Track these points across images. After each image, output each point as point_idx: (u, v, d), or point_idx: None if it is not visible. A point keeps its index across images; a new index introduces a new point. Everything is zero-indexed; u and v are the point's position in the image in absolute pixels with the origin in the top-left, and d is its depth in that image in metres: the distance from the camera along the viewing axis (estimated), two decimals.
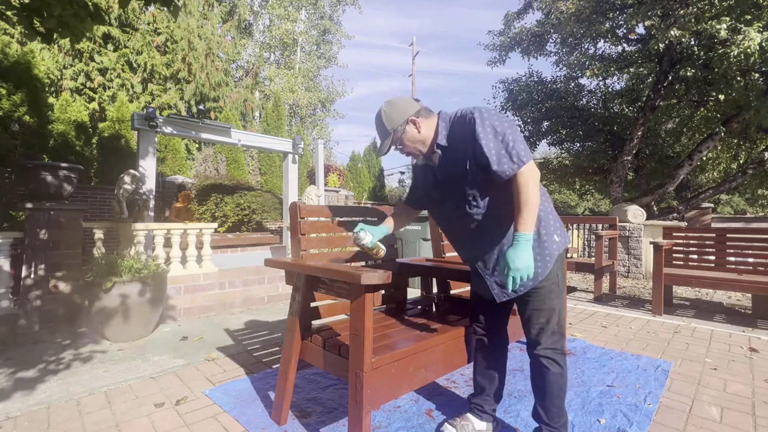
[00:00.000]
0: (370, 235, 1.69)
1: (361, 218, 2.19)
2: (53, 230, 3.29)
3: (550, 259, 1.49)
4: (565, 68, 10.87)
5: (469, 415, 1.73)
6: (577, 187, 15.60)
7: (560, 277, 1.55)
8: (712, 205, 10.92)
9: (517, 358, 2.60)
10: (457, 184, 1.51)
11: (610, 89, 11.64)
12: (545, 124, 11.59)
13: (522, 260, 1.34)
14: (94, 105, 9.82)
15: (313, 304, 1.83)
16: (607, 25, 8.44)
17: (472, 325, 1.76)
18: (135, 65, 10.48)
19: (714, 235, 4.15)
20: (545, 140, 12.27)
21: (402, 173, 28.42)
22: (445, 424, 1.72)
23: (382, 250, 1.76)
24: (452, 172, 1.52)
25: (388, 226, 1.82)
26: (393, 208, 2.00)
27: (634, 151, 9.64)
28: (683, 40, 6.82)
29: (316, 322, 1.88)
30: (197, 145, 11.49)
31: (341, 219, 2.03)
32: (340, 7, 21.82)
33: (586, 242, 7.24)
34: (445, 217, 1.69)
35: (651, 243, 4.03)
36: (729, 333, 3.29)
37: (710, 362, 2.63)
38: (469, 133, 1.43)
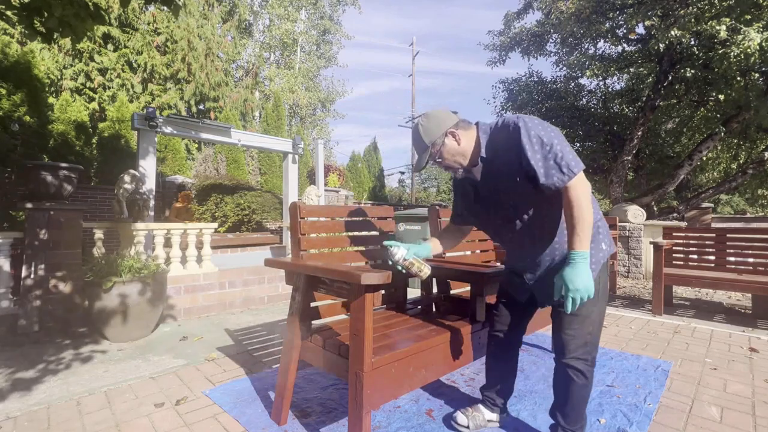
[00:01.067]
0: (403, 249, 1.58)
1: (360, 218, 2.18)
2: (53, 230, 3.29)
3: (596, 267, 1.45)
4: (565, 68, 10.87)
5: (480, 405, 1.81)
6: None
7: (602, 285, 1.48)
8: (712, 205, 10.92)
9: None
10: (500, 196, 1.48)
11: (610, 89, 11.64)
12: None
13: (581, 280, 1.28)
14: (94, 105, 9.82)
15: (313, 304, 1.83)
16: (607, 25, 8.43)
17: (492, 321, 1.77)
18: (135, 65, 10.48)
19: (714, 235, 4.15)
20: None
21: (402, 173, 28.46)
22: (457, 412, 1.79)
23: (426, 268, 1.61)
24: (495, 185, 1.47)
25: (431, 245, 1.72)
26: (442, 230, 1.88)
27: (634, 151, 9.64)
28: (683, 40, 6.81)
29: (316, 322, 1.88)
30: (197, 145, 11.49)
31: (341, 219, 2.03)
32: (340, 7, 21.82)
33: None
34: (492, 229, 1.67)
35: (651, 243, 4.03)
36: (729, 333, 3.29)
37: (710, 362, 2.63)
38: (512, 144, 1.37)
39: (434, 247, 1.74)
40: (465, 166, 1.52)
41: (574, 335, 1.46)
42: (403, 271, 1.61)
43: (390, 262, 1.61)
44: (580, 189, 1.30)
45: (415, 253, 1.62)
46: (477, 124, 1.52)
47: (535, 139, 1.33)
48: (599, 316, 1.50)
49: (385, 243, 1.63)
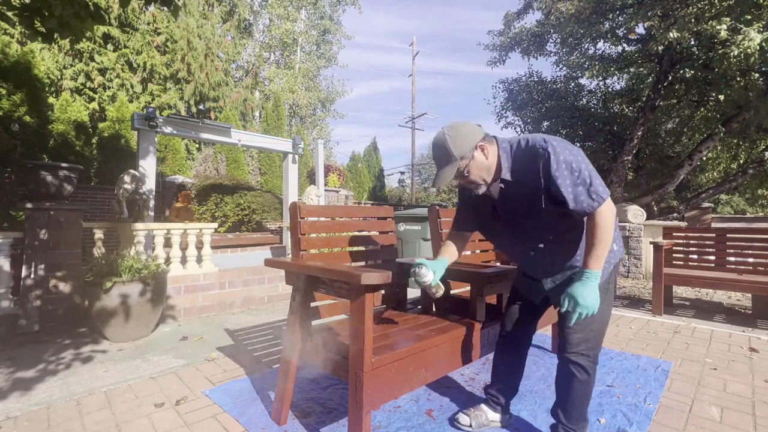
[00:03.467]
0: (431, 273, 1.56)
1: (361, 218, 2.19)
2: (53, 230, 3.29)
3: (607, 266, 1.48)
4: (565, 68, 10.88)
5: (483, 405, 1.81)
6: None
7: (610, 285, 1.53)
8: (712, 205, 10.92)
9: None
10: (520, 217, 1.47)
11: (610, 89, 11.65)
12: (545, 124, 11.59)
13: (591, 298, 1.35)
14: (94, 105, 9.82)
15: (313, 304, 1.83)
16: (607, 25, 8.44)
17: (504, 321, 1.79)
18: (135, 65, 10.48)
19: (714, 235, 4.15)
20: None
21: (402, 173, 28.45)
22: (459, 413, 1.80)
23: (441, 289, 1.63)
24: (517, 207, 1.46)
25: (448, 256, 1.68)
26: (447, 238, 1.82)
27: (634, 151, 9.64)
28: (683, 40, 6.81)
29: (316, 322, 1.88)
30: (197, 145, 11.49)
31: (341, 219, 2.03)
32: (340, 7, 21.82)
33: None
34: (505, 244, 1.67)
35: (651, 243, 4.03)
36: (729, 333, 3.29)
37: (710, 362, 2.63)
38: (539, 168, 1.35)
39: (450, 259, 1.71)
40: (489, 183, 1.47)
41: (577, 330, 1.49)
42: (427, 291, 1.63)
43: (418, 281, 1.58)
44: (607, 214, 1.33)
45: (440, 275, 1.61)
46: (496, 140, 1.47)
47: (564, 164, 1.32)
48: (606, 315, 1.53)
49: (418, 261, 1.59)
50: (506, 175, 1.42)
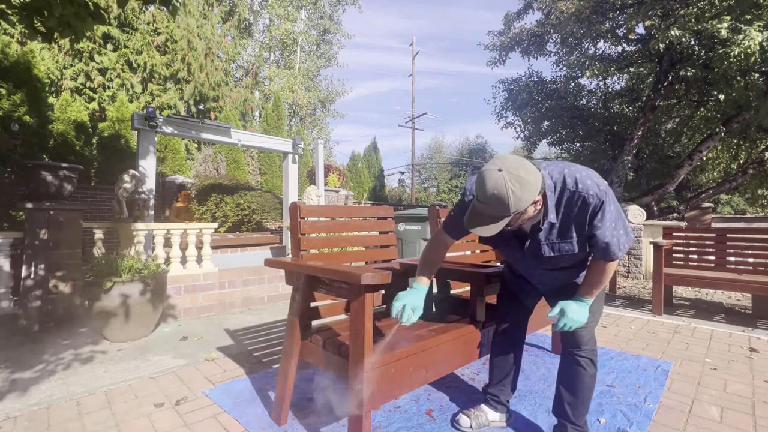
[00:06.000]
0: (414, 316, 1.46)
1: (361, 217, 2.18)
2: (53, 230, 3.29)
3: None
4: (565, 68, 10.87)
5: (483, 405, 1.81)
6: None
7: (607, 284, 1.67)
8: (712, 205, 10.91)
9: None
10: (548, 256, 1.46)
11: (610, 89, 11.65)
12: (545, 124, 11.59)
13: (578, 314, 1.46)
14: (94, 105, 9.81)
15: (313, 304, 1.83)
16: (607, 25, 8.44)
17: (499, 321, 1.83)
18: (135, 65, 10.47)
19: (714, 235, 4.15)
20: (545, 140, 12.27)
21: (402, 173, 28.46)
22: (460, 414, 1.80)
23: (414, 319, 1.51)
24: (553, 248, 1.44)
25: (428, 279, 1.60)
26: (430, 246, 1.66)
27: (634, 151, 9.64)
28: (683, 40, 6.81)
29: (316, 322, 1.88)
30: (197, 145, 11.48)
31: (341, 219, 2.03)
32: (340, 7, 21.82)
33: None
34: (516, 263, 1.70)
35: (651, 243, 4.03)
36: (729, 333, 3.29)
37: (710, 362, 2.63)
38: (588, 213, 1.33)
39: (430, 279, 1.61)
40: (522, 225, 1.40)
41: (587, 328, 1.57)
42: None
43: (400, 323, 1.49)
44: (615, 263, 1.45)
45: (422, 309, 1.51)
46: (543, 177, 1.31)
47: (609, 219, 1.33)
48: (601, 312, 1.68)
49: (394, 308, 1.48)
50: (552, 218, 1.35)
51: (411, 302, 1.48)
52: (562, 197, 1.34)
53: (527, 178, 1.22)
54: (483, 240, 1.61)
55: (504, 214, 1.24)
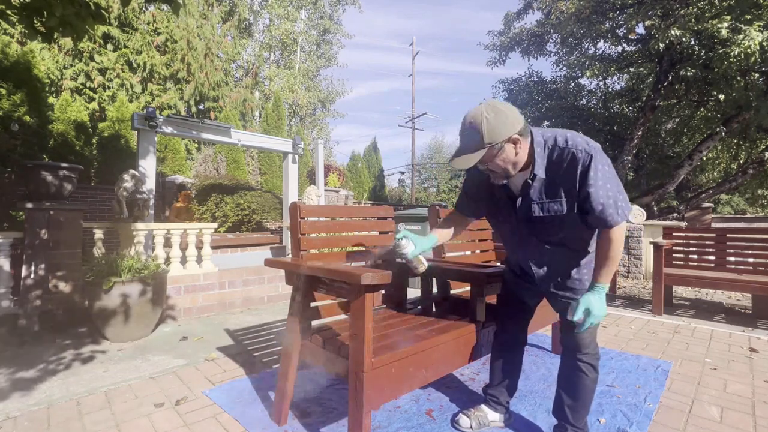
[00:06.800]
0: (412, 245, 1.54)
1: (361, 217, 2.19)
2: (53, 230, 3.29)
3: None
4: (565, 68, 10.88)
5: (483, 406, 1.81)
6: None
7: None
8: (712, 205, 10.92)
9: None
10: (540, 219, 1.44)
11: (610, 89, 11.66)
12: (545, 124, 11.60)
13: (602, 308, 1.39)
14: (94, 105, 9.81)
15: (313, 304, 1.83)
16: (607, 25, 8.44)
17: (500, 323, 1.81)
18: (135, 65, 10.47)
19: (714, 235, 4.15)
20: None
21: (402, 173, 28.45)
22: (460, 414, 1.80)
23: (423, 265, 1.62)
24: (542, 208, 1.42)
25: (437, 236, 1.66)
26: (443, 218, 1.79)
27: (634, 151, 9.64)
28: (683, 39, 6.82)
29: (316, 322, 1.88)
30: (197, 145, 11.49)
31: (341, 219, 2.03)
32: (340, 7, 21.83)
33: None
34: (512, 237, 1.61)
35: (651, 243, 4.03)
36: (729, 333, 3.29)
37: (710, 362, 2.63)
38: (578, 172, 1.31)
39: (440, 238, 1.69)
40: (510, 176, 1.39)
41: (587, 333, 1.54)
42: (404, 261, 1.61)
43: (396, 252, 1.57)
44: (622, 231, 1.36)
45: (422, 249, 1.59)
46: (532, 133, 1.38)
47: (601, 176, 1.30)
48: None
49: (398, 235, 1.57)
50: (540, 171, 1.36)
51: (413, 237, 1.55)
52: (552, 154, 1.35)
53: (505, 111, 1.29)
54: (483, 214, 1.67)
55: (479, 144, 1.29)
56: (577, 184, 1.32)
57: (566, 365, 1.60)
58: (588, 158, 1.30)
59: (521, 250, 1.60)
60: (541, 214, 1.41)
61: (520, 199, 1.44)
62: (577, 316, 1.41)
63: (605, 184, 1.30)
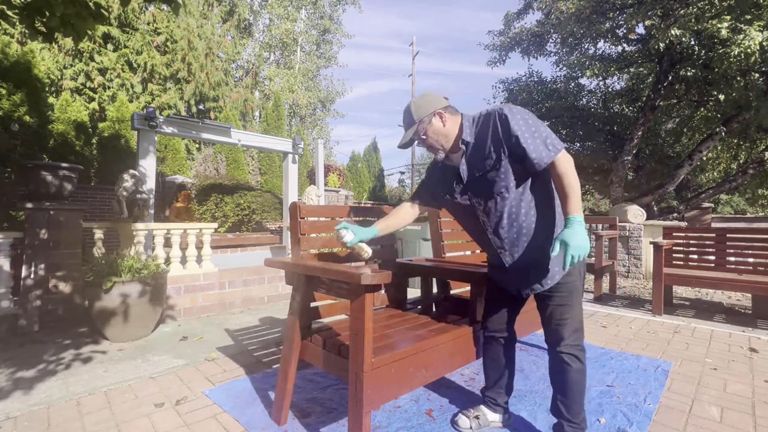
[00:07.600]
0: (351, 234, 1.68)
1: (361, 218, 2.19)
2: (53, 230, 3.29)
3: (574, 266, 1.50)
4: (565, 68, 10.87)
5: (482, 406, 1.82)
6: None
7: (582, 274, 1.62)
8: (713, 205, 10.92)
9: (517, 358, 2.59)
10: (485, 179, 1.52)
11: (610, 89, 11.64)
12: (545, 124, 11.58)
13: (580, 238, 1.36)
14: (94, 105, 9.81)
15: (313, 304, 1.83)
16: (607, 25, 8.43)
17: (485, 322, 1.79)
18: (135, 65, 10.47)
19: (714, 235, 4.15)
20: None
21: (402, 173, 28.44)
22: (459, 414, 1.80)
23: (366, 252, 1.73)
24: (480, 167, 1.53)
25: (378, 228, 1.77)
26: (392, 209, 1.93)
27: (634, 151, 9.64)
28: (683, 39, 6.81)
29: (316, 322, 1.88)
30: (197, 145, 11.49)
31: (341, 219, 2.03)
32: (340, 7, 21.83)
33: None
34: (469, 216, 1.64)
35: (651, 243, 4.03)
36: (729, 333, 3.29)
37: (710, 362, 2.63)
38: (500, 128, 1.46)
39: (381, 229, 1.78)
40: (447, 149, 1.60)
41: (566, 323, 1.55)
42: (353, 252, 1.77)
43: (339, 241, 1.71)
44: (566, 162, 1.43)
45: (362, 237, 1.70)
46: (462, 114, 1.60)
47: (522, 121, 1.44)
48: (581, 305, 1.63)
49: (337, 227, 1.70)
50: (468, 137, 1.53)
51: (353, 228, 1.69)
52: (479, 122, 1.54)
53: (428, 97, 1.59)
54: (440, 201, 1.77)
55: (411, 122, 1.59)
56: (504, 136, 1.45)
57: (551, 361, 1.62)
58: (503, 115, 1.45)
59: (484, 235, 1.62)
60: (478, 173, 1.53)
61: (461, 166, 1.58)
62: (555, 252, 1.39)
63: (529, 128, 1.43)
